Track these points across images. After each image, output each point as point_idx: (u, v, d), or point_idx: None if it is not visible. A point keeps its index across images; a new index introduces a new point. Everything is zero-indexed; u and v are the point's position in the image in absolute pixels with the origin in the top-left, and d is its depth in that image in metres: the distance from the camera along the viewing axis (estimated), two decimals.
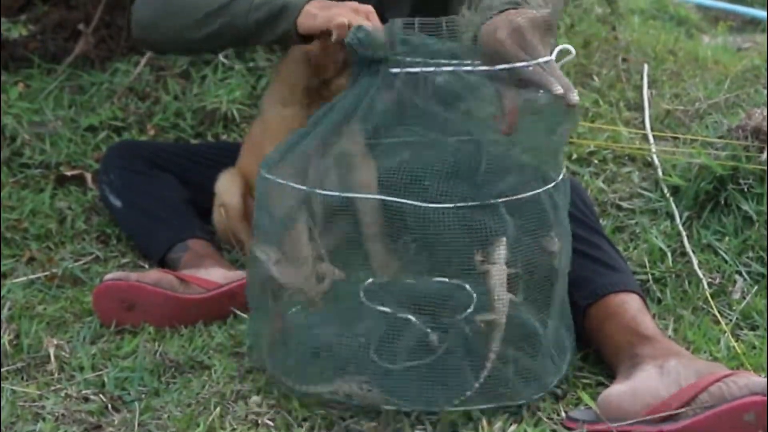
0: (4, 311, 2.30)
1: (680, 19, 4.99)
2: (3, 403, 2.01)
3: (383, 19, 2.10)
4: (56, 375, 2.12)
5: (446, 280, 1.96)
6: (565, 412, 1.97)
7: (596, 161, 2.87)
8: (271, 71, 3.23)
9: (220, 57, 3.37)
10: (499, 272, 1.92)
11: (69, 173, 2.85)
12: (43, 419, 1.96)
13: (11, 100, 2.99)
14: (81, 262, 2.58)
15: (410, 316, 1.93)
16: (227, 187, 2.59)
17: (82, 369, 2.13)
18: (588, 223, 2.30)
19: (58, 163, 2.91)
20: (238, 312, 2.31)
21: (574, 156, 2.88)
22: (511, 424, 1.92)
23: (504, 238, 1.90)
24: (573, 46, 3.41)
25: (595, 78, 3.33)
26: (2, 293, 2.41)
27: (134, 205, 2.62)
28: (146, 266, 2.57)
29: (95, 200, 2.80)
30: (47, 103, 3.03)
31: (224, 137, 3.12)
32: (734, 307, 2.30)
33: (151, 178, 2.65)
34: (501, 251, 1.91)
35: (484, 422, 1.91)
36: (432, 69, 1.87)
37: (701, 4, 5.56)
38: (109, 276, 2.33)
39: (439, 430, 1.91)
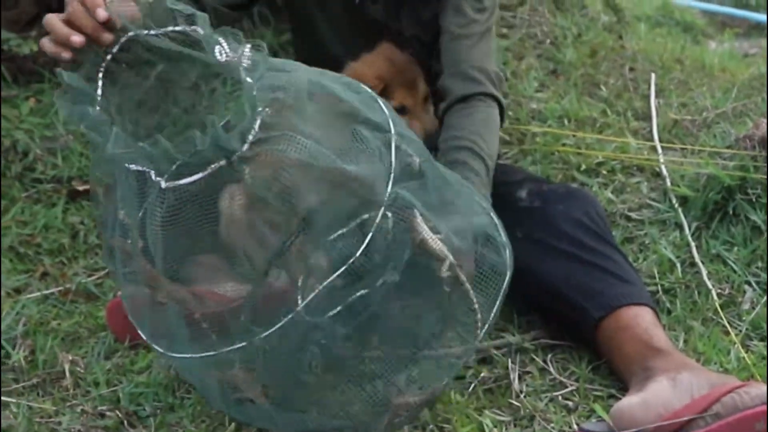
0: (19, 327, 2.31)
1: (686, 25, 5.00)
2: (20, 419, 2.02)
3: None
4: (72, 391, 2.14)
5: None
6: (578, 424, 1.99)
7: (605, 172, 2.88)
8: None
9: None
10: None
11: (81, 188, 2.87)
12: None
13: (23, 116, 3.01)
14: (94, 277, 2.59)
15: None
16: (232, 204, 2.62)
17: (97, 384, 2.15)
18: (600, 234, 2.31)
19: (70, 177, 2.93)
20: None
21: (583, 167, 2.90)
22: None
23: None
24: (580, 56, 3.47)
25: (603, 87, 3.34)
26: (17, 309, 2.42)
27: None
28: None
29: None
30: (58, 118, 3.05)
31: None
32: (744, 318, 2.31)
33: None
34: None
35: None
36: None
37: (707, 9, 5.58)
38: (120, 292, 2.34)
39: None
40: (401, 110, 2.40)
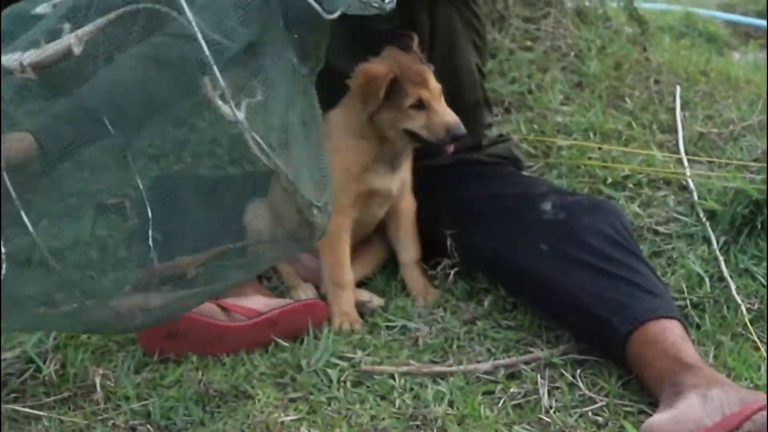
0: (50, 341, 2.33)
1: (709, 35, 5.00)
2: None
3: None
4: (102, 404, 2.15)
5: None
6: None
7: (631, 185, 2.88)
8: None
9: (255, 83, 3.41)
10: None
11: (110, 201, 2.88)
12: None
13: None
14: (123, 290, 2.60)
15: None
16: (258, 219, 2.64)
17: (127, 399, 2.16)
18: (626, 245, 2.31)
19: (98, 190, 2.94)
20: (279, 340, 2.34)
21: (609, 180, 2.90)
22: None
23: None
24: (604, 68, 3.47)
25: (628, 100, 3.34)
26: None
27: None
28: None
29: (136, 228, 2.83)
30: None
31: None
32: None
33: None
34: None
35: None
36: None
37: (729, 20, 5.57)
38: None
39: None
40: (419, 105, 2.41)
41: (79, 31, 1.87)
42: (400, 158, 2.54)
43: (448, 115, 2.41)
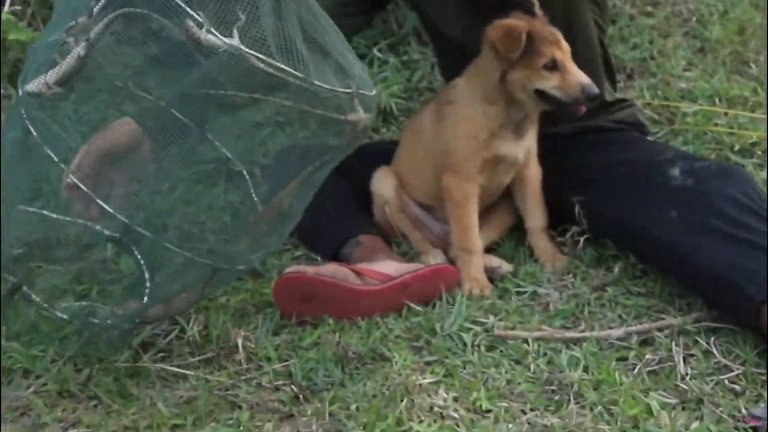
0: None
1: None
2: (200, 391, 2.12)
3: None
4: (245, 365, 2.22)
5: None
6: (746, 408, 1.99)
7: (759, 152, 2.85)
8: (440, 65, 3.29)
9: (375, 51, 3.45)
10: None
11: (239, 168, 2.95)
12: (239, 407, 2.07)
13: None
14: (257, 255, 2.68)
15: None
16: (383, 185, 2.69)
17: (269, 359, 2.23)
18: (759, 212, 2.29)
19: (227, 158, 3.02)
20: (412, 304, 2.38)
21: (736, 147, 2.87)
22: (693, 421, 1.94)
23: None
24: (727, 33, 3.42)
25: (752, 65, 3.29)
26: None
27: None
28: (318, 259, 2.66)
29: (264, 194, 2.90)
30: None
31: (383, 131, 3.19)
32: None
33: None
34: None
35: (666, 418, 1.94)
36: None
37: None
38: (288, 269, 2.42)
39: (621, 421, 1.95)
40: (552, 66, 2.42)
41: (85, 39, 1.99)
42: (525, 125, 2.55)
43: (581, 75, 2.41)
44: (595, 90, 2.40)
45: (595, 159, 2.63)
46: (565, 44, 2.44)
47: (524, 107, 2.50)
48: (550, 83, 2.43)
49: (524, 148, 2.56)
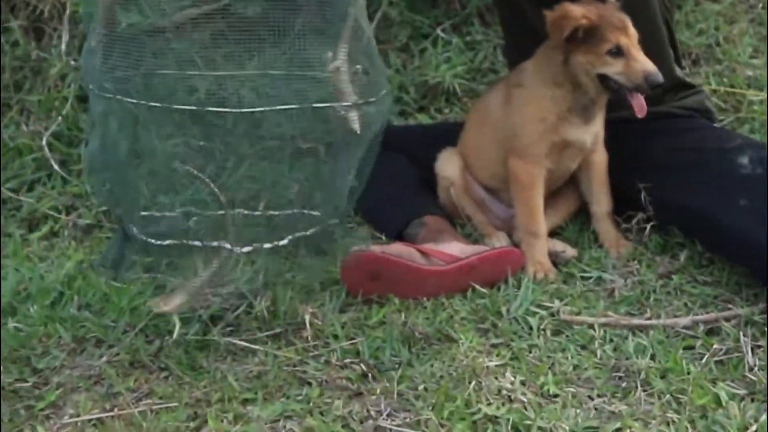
0: (260, 278, 2.43)
1: None
2: (269, 366, 2.15)
3: None
4: (312, 341, 2.25)
5: None
6: None
7: None
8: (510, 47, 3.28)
9: (439, 31, 3.45)
10: None
11: (305, 146, 2.97)
12: (308, 384, 2.09)
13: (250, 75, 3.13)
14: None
15: None
16: (449, 166, 2.70)
17: (336, 337, 2.25)
18: None
19: (292, 135, 3.04)
20: (477, 286, 2.40)
21: None
22: (762, 413, 1.94)
23: None
24: None
25: None
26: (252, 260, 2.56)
27: (369, 184, 2.72)
28: (382, 238, 2.67)
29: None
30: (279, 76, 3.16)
31: (446, 111, 3.20)
32: None
33: (384, 159, 2.75)
34: None
35: (735, 409, 1.94)
36: None
37: None
38: (356, 248, 2.44)
39: (689, 411, 1.96)
40: (617, 52, 2.41)
41: None
42: (593, 110, 2.55)
43: (647, 63, 2.40)
44: (659, 78, 2.39)
45: (662, 145, 2.62)
46: (632, 31, 2.43)
47: (588, 92, 2.49)
48: (613, 69, 2.42)
49: (592, 133, 2.56)
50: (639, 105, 2.43)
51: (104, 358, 2.20)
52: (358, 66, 2.28)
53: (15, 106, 3.08)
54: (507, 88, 2.62)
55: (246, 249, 2.41)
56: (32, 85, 3.08)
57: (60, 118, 2.94)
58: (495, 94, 2.66)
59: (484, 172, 2.67)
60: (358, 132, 2.36)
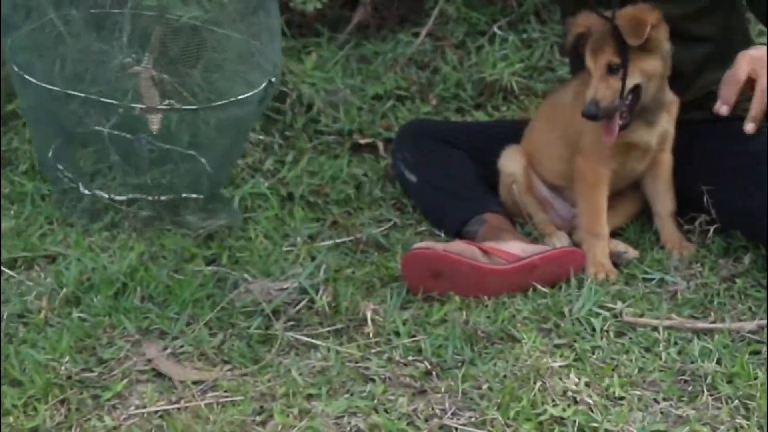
0: (321, 274, 2.44)
1: None
2: (331, 362, 2.15)
3: None
4: (374, 338, 2.25)
5: None
6: None
7: None
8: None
9: (495, 28, 3.45)
10: None
11: (363, 141, 2.99)
12: (372, 381, 2.09)
13: (307, 70, 3.15)
14: (381, 229, 2.71)
15: None
16: (513, 163, 2.69)
17: (397, 334, 2.25)
18: None
19: (350, 131, 3.06)
20: (539, 285, 2.39)
21: None
22: None
23: None
24: None
25: None
26: (314, 255, 2.57)
27: (429, 181, 2.74)
28: (441, 235, 2.67)
29: (388, 168, 2.93)
30: (337, 72, 3.18)
31: (503, 109, 3.19)
32: None
33: (443, 155, 2.77)
34: None
35: None
36: None
37: None
38: (417, 245, 2.44)
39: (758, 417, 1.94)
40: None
41: None
42: (655, 111, 2.53)
43: (591, 91, 2.38)
44: (590, 111, 2.38)
45: (727, 148, 2.59)
46: (600, 55, 2.40)
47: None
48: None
49: (657, 135, 2.54)
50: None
51: (168, 350, 2.22)
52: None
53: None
54: (576, 87, 2.60)
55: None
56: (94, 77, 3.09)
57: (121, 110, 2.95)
58: (565, 91, 2.65)
59: (549, 170, 2.66)
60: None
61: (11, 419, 2.01)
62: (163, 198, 2.71)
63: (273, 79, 2.58)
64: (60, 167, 2.76)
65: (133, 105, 2.58)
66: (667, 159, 2.59)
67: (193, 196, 2.72)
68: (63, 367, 2.14)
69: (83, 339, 2.25)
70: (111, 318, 2.31)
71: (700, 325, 2.25)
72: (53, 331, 2.27)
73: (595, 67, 2.40)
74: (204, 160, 2.70)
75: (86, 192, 2.76)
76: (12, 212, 2.83)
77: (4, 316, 2.33)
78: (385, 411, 1.99)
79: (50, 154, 2.77)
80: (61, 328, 2.28)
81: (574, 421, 1.93)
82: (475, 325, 2.24)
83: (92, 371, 2.15)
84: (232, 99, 2.54)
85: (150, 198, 2.72)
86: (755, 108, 2.42)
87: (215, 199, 2.73)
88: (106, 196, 2.73)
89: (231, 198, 2.78)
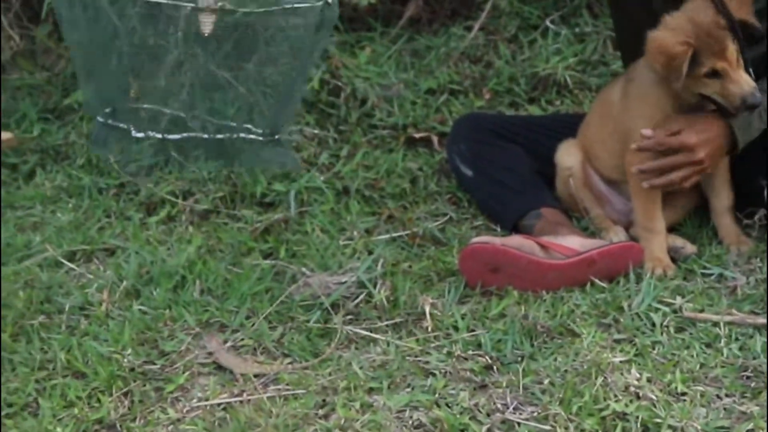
0: (378, 268, 2.45)
1: None
2: (392, 356, 2.16)
3: None
4: (433, 332, 2.25)
5: None
6: None
7: None
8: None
9: (548, 22, 3.43)
10: None
11: (417, 135, 2.99)
12: (432, 375, 2.10)
13: (361, 64, 3.16)
14: (437, 223, 2.71)
15: None
16: (569, 157, 2.68)
17: (456, 328, 2.25)
18: None
19: (404, 125, 3.06)
20: (597, 280, 2.38)
21: None
22: None
23: None
24: None
25: None
26: (371, 249, 2.58)
27: (485, 175, 2.73)
28: (497, 229, 2.67)
29: (443, 162, 2.93)
30: (391, 67, 3.18)
31: (557, 103, 3.18)
32: None
33: (499, 149, 2.76)
34: None
35: None
36: None
37: None
38: (475, 239, 2.44)
39: None
40: (713, 74, 2.36)
41: None
42: (703, 108, 2.50)
43: (744, 84, 2.35)
44: (756, 99, 2.33)
45: None
46: (731, 52, 2.35)
47: (691, 101, 2.45)
48: (710, 89, 2.38)
49: None
50: None
51: (228, 343, 2.23)
52: None
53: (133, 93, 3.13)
54: (624, 82, 2.59)
55: None
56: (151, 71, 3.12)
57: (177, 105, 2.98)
58: (615, 86, 2.63)
59: (604, 164, 2.64)
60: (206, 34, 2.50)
61: (75, 410, 2.04)
62: (218, 136, 2.67)
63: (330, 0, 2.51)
64: (108, 110, 2.73)
65: (186, 4, 2.48)
66: None
67: (251, 136, 2.66)
68: (126, 360, 2.17)
69: (144, 331, 2.27)
70: (171, 311, 2.34)
71: (762, 320, 2.22)
72: (115, 323, 2.30)
73: (730, 66, 2.36)
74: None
75: (139, 135, 2.73)
76: (70, 205, 2.87)
77: (66, 309, 2.36)
78: (447, 405, 1.99)
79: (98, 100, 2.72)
80: (123, 320, 2.31)
81: (637, 417, 1.92)
82: (534, 319, 2.24)
83: (154, 363, 2.18)
84: (287, 6, 2.45)
85: (205, 136, 2.67)
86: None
87: (273, 142, 2.67)
88: (159, 136, 2.69)
89: (290, 142, 2.77)
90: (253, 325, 2.28)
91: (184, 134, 2.70)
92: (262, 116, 2.67)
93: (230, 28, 2.53)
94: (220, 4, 2.47)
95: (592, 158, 2.67)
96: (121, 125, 2.70)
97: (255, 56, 2.62)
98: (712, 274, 2.43)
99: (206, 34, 2.54)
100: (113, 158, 2.83)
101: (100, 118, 2.65)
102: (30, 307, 2.38)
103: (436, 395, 2.03)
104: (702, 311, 2.27)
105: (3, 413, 2.05)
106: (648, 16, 2.54)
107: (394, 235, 2.66)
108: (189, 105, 2.68)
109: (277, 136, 2.67)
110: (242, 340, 2.24)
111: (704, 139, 2.42)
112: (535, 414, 1.97)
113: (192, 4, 2.50)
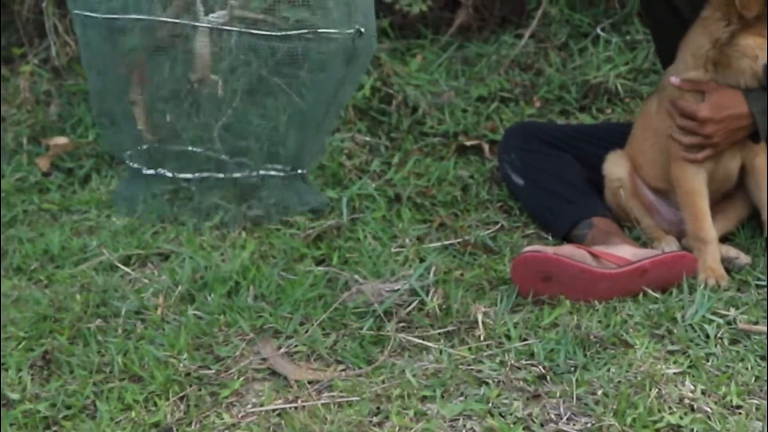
0: (431, 276, 2.46)
1: None
2: (445, 364, 2.17)
3: None
4: (485, 341, 2.26)
5: None
6: None
7: None
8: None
9: (598, 30, 3.43)
10: None
11: (468, 143, 3.00)
12: (486, 384, 2.10)
13: (412, 71, 3.17)
14: (488, 231, 2.72)
15: None
16: (618, 168, 2.68)
17: (509, 337, 2.26)
18: None
19: (455, 132, 3.07)
20: (650, 290, 2.37)
21: None
22: None
23: None
24: None
25: None
26: (423, 257, 2.59)
27: (537, 184, 2.74)
28: (549, 238, 2.67)
29: (494, 170, 2.94)
30: (441, 74, 3.19)
31: (608, 112, 3.18)
32: None
33: (550, 158, 2.76)
34: None
35: None
36: None
37: None
38: (527, 248, 2.44)
39: None
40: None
41: None
42: None
43: None
44: None
45: None
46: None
47: (739, 81, 2.42)
48: (745, 51, 2.37)
49: None
50: None
51: (282, 349, 2.25)
52: None
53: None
54: (659, 96, 2.59)
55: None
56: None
57: (230, 111, 3.01)
58: (651, 100, 2.65)
59: (652, 174, 2.64)
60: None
61: (133, 414, 2.07)
62: (236, 175, 2.66)
63: (362, 29, 2.49)
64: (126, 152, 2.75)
65: (202, 25, 2.51)
66: (761, 164, 2.53)
67: (272, 173, 2.67)
68: (181, 364, 2.19)
69: (199, 336, 2.30)
70: (226, 316, 2.36)
71: None
72: (170, 327, 2.33)
73: None
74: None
75: (149, 172, 2.74)
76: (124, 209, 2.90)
77: (122, 313, 2.39)
78: (500, 415, 2.00)
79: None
80: (178, 325, 2.34)
81: (692, 430, 1.92)
82: (587, 329, 2.24)
83: (210, 368, 2.20)
84: (314, 30, 2.45)
85: (221, 176, 2.66)
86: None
87: (296, 178, 2.67)
88: (169, 174, 2.71)
89: (318, 185, 2.78)
90: (306, 331, 2.29)
91: (197, 174, 2.71)
92: (285, 151, 2.65)
93: (250, 52, 2.51)
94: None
95: (639, 168, 2.67)
96: (134, 165, 2.71)
97: (276, 85, 2.60)
98: (766, 286, 2.42)
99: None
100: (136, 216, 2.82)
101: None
102: (87, 310, 2.41)
103: (490, 404, 2.03)
104: (756, 323, 2.26)
105: (61, 416, 2.09)
106: (679, 26, 2.54)
107: (446, 243, 2.67)
108: (206, 141, 2.68)
109: (300, 171, 2.65)
110: (296, 346, 2.26)
111: (717, 116, 2.41)
112: (589, 425, 1.97)
113: (204, 24, 2.52)
